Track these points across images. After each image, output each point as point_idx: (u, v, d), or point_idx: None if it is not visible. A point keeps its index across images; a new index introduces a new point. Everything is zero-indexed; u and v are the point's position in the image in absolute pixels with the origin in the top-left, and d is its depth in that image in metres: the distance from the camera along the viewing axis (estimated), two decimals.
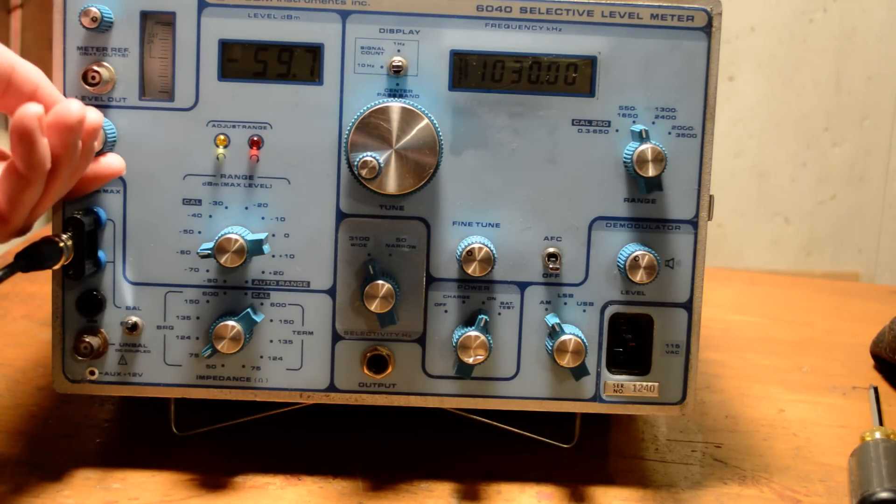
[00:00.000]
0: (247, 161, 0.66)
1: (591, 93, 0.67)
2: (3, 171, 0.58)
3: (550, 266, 0.68)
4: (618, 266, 0.68)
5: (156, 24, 0.66)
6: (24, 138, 0.55)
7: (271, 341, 0.68)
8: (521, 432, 0.73)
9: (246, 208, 0.67)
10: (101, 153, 0.64)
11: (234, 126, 0.66)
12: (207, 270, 0.67)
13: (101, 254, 0.67)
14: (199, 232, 0.67)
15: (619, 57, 0.66)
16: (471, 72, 0.66)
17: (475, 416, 0.73)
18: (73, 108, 0.56)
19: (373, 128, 0.64)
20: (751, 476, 0.72)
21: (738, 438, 0.77)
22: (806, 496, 0.69)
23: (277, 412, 0.72)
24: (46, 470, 0.67)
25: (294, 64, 0.66)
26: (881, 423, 0.79)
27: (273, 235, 0.67)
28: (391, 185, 0.65)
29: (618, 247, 0.68)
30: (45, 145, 0.56)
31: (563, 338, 0.66)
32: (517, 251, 0.68)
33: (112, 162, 0.64)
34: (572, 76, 0.67)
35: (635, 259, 0.66)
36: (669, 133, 0.67)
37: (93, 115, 0.60)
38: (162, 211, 0.66)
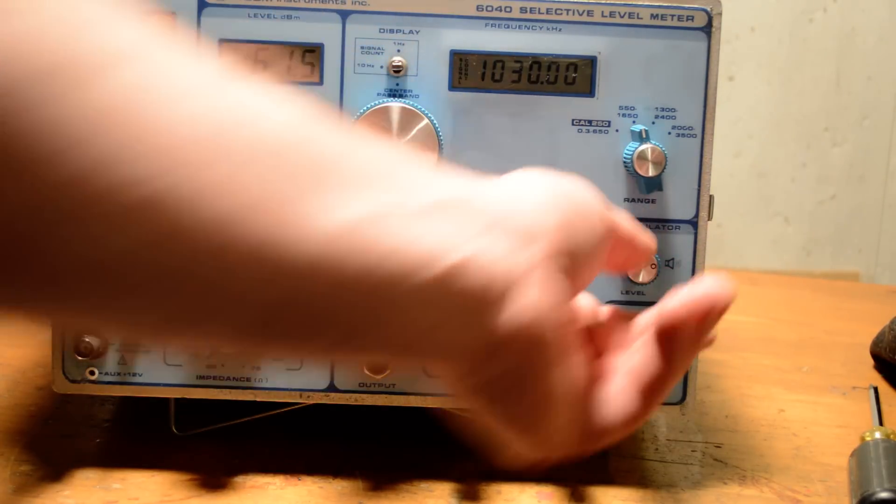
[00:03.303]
0: None
1: (590, 93, 0.67)
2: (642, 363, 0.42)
3: None
4: None
5: None
6: (711, 320, 0.43)
7: None
8: None
9: None
10: None
11: None
12: None
13: None
14: None
15: (619, 57, 0.66)
16: (471, 72, 0.66)
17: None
18: (725, 286, 0.43)
19: (372, 128, 0.64)
20: (751, 476, 0.71)
21: (738, 438, 0.77)
22: (806, 496, 0.69)
23: (277, 412, 0.72)
24: (46, 470, 0.67)
25: (294, 64, 0.66)
26: (881, 423, 0.79)
27: None
28: None
29: None
30: None
31: None
32: None
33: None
34: (572, 76, 0.67)
35: None
36: (669, 133, 0.67)
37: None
38: None
